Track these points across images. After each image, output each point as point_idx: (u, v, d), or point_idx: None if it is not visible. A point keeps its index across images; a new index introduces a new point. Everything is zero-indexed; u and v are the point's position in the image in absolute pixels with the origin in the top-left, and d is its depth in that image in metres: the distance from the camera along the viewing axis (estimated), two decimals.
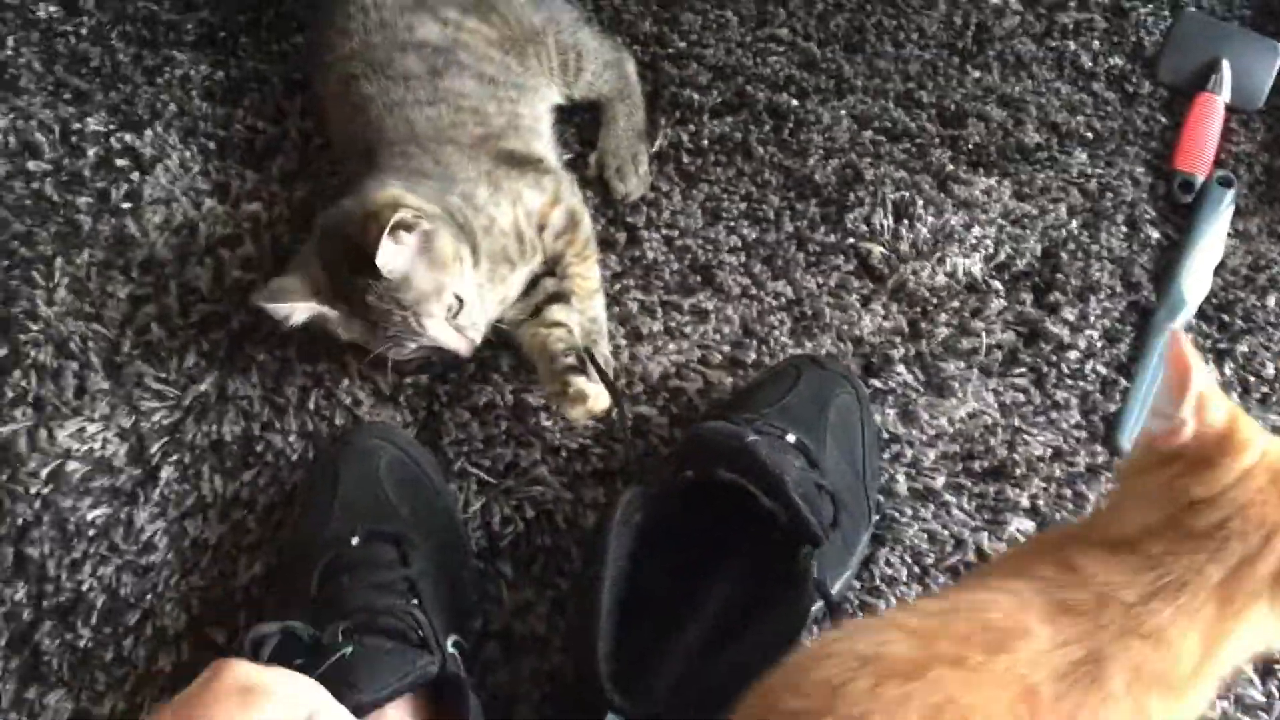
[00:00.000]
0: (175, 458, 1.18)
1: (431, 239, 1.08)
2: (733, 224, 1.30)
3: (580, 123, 1.37)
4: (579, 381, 1.13)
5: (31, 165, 1.33)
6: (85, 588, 1.11)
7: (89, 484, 1.16)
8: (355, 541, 1.00)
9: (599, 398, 1.14)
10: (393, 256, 1.06)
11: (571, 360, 1.15)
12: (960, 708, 0.68)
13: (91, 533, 1.14)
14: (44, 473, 1.16)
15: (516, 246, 1.18)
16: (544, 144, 1.27)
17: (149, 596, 1.11)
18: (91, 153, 1.33)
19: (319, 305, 1.10)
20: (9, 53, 1.40)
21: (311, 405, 1.20)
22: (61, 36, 1.41)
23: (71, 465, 1.17)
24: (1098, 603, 0.73)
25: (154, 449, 1.18)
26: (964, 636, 0.72)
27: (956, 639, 0.72)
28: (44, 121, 1.35)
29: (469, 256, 1.12)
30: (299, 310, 1.10)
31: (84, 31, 1.41)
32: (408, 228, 1.06)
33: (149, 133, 1.34)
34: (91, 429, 1.18)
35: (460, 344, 1.13)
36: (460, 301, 1.11)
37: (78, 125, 1.35)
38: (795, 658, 0.77)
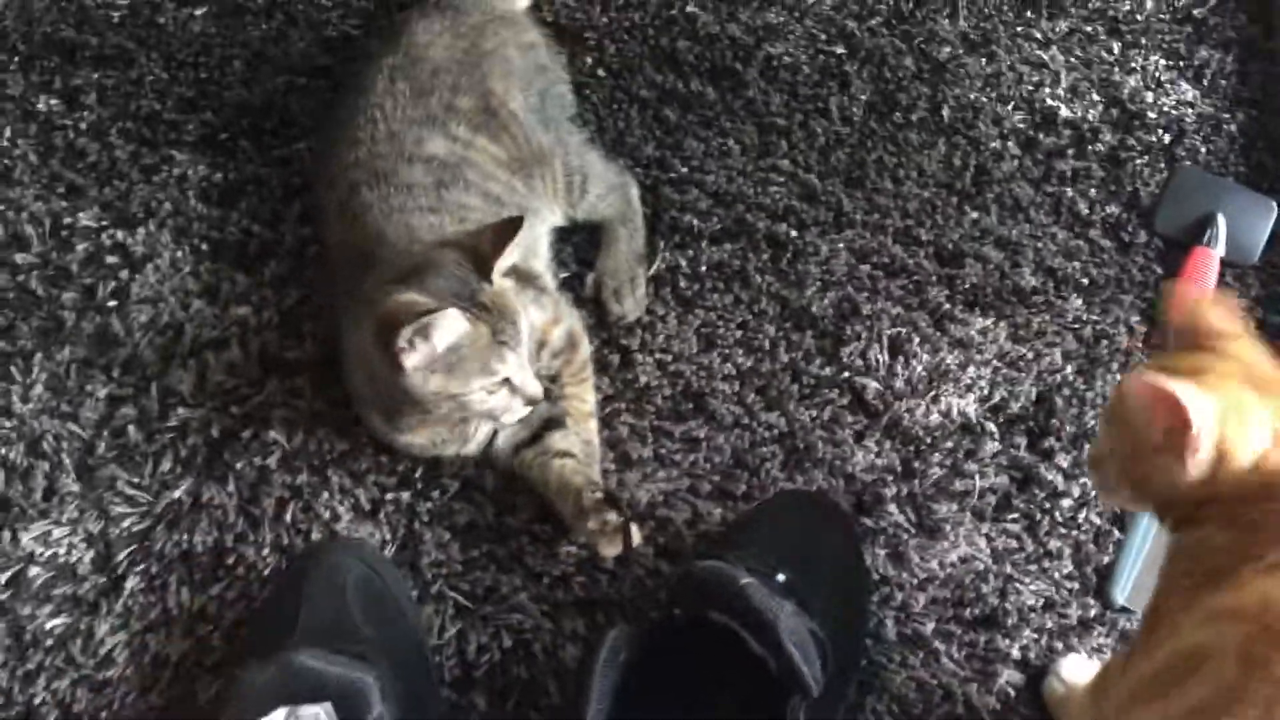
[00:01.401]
0: (142, 567, 1.14)
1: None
2: (727, 351, 1.29)
3: (578, 242, 1.37)
4: (615, 519, 1.11)
5: (19, 258, 1.31)
6: (38, 701, 1.07)
7: (50, 591, 1.12)
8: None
9: (635, 534, 1.12)
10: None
11: (600, 495, 1.12)
12: None
13: (49, 643, 1.10)
14: (3, 578, 1.12)
15: None
16: (541, 264, 1.27)
17: (104, 715, 1.06)
18: (81, 248, 1.31)
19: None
20: (4, 144, 1.39)
21: (288, 518, 1.17)
22: (60, 130, 1.40)
23: (34, 570, 1.13)
24: None
25: (121, 556, 1.14)
26: None
27: None
28: (35, 214, 1.34)
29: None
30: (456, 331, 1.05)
31: (83, 126, 1.41)
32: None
33: (141, 231, 1.33)
34: (58, 533, 1.15)
35: (533, 378, 1.10)
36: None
37: (69, 220, 1.33)
38: None
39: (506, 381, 1.07)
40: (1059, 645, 1.13)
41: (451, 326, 1.02)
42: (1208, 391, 0.79)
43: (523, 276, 1.19)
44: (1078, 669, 1.09)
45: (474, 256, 1.06)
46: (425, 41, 1.29)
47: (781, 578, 1.02)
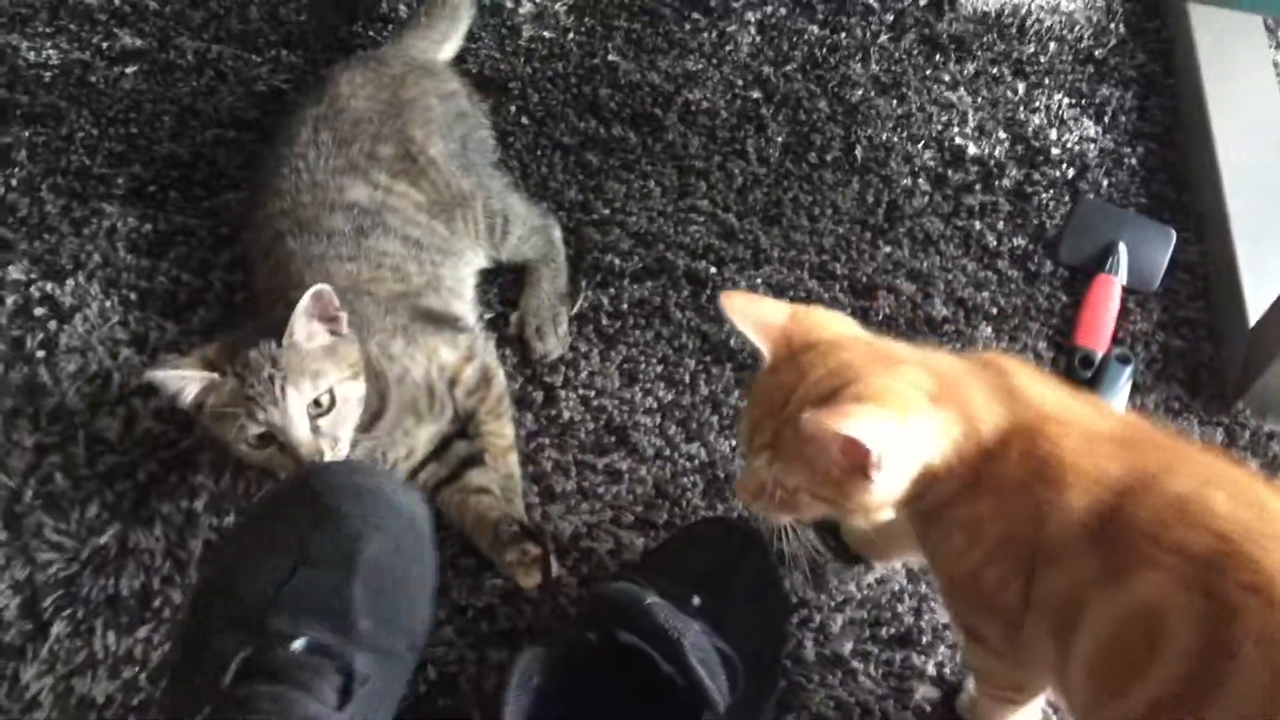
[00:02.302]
0: (69, 612, 1.14)
1: (341, 344, 1.11)
2: (649, 386, 1.33)
3: (504, 283, 1.40)
4: (534, 549, 1.13)
5: None
6: None
7: None
8: (296, 646, 0.87)
9: (554, 564, 1.14)
10: (304, 321, 1.08)
11: (515, 529, 1.15)
12: None
13: None
14: None
15: (426, 400, 1.19)
16: (464, 304, 1.30)
17: None
18: (10, 300, 1.33)
19: (205, 372, 1.08)
20: None
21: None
22: None
23: None
24: None
25: (47, 602, 1.14)
26: None
27: None
28: None
29: (365, 392, 1.13)
30: (189, 377, 1.08)
31: (14, 182, 1.43)
32: (327, 308, 1.09)
33: (70, 282, 1.35)
34: None
35: (306, 438, 1.08)
36: (331, 402, 1.09)
37: None
38: None
39: (273, 439, 1.09)
40: None
41: (189, 380, 1.08)
42: (879, 407, 0.83)
43: (437, 318, 1.22)
44: None
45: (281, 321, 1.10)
46: (348, 93, 1.33)
47: (696, 601, 1.04)
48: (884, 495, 0.87)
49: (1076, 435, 0.85)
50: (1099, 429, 0.86)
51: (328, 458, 1.09)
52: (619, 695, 1.00)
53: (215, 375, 1.08)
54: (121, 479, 1.22)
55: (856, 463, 0.84)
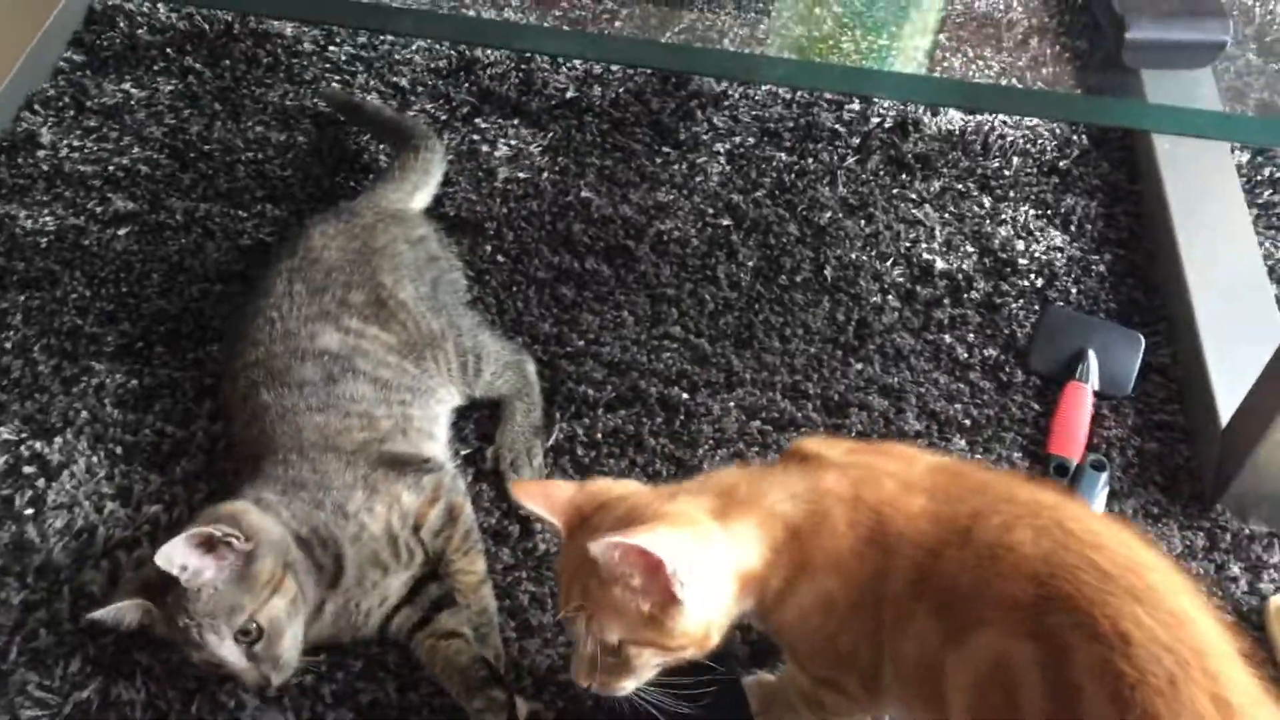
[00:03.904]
0: None
1: (251, 560, 1.10)
2: None
3: (479, 418, 1.43)
4: (500, 696, 1.14)
5: None
6: None
7: None
8: None
9: (522, 707, 1.14)
10: (184, 558, 1.07)
11: (485, 673, 1.16)
12: None
13: None
14: None
15: (389, 550, 1.20)
16: (436, 444, 1.32)
17: None
18: (1, 461, 1.37)
19: (140, 600, 1.10)
20: None
21: (194, 709, 1.19)
22: None
23: None
24: None
25: None
26: None
27: None
28: None
29: (296, 592, 1.12)
30: (125, 609, 1.11)
31: (8, 345, 1.48)
32: (211, 542, 1.08)
33: (59, 440, 1.39)
34: None
35: (248, 672, 1.10)
36: (259, 629, 1.10)
37: None
38: None
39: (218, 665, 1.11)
40: None
41: (126, 610, 1.11)
42: (662, 524, 0.88)
43: (402, 462, 1.24)
44: None
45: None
46: (321, 244, 1.39)
47: None
48: (701, 615, 0.89)
49: (890, 494, 0.89)
50: (911, 481, 0.90)
51: (275, 682, 1.12)
52: None
53: (148, 604, 1.10)
54: (104, 633, 1.23)
55: (661, 586, 0.86)
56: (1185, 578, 0.81)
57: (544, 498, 0.97)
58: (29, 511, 1.33)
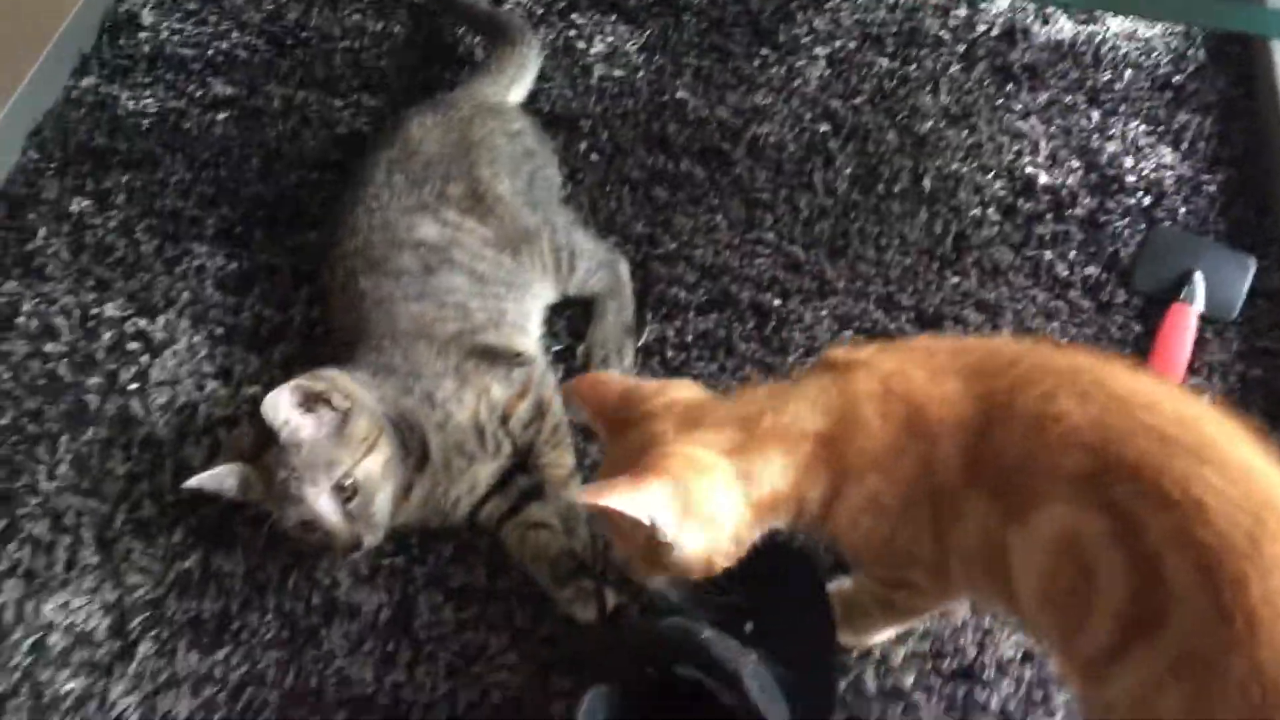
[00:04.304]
0: (154, 633, 1.20)
1: (348, 418, 1.13)
2: None
3: (571, 316, 1.43)
4: (589, 585, 1.17)
5: (49, 347, 1.40)
6: None
7: (68, 657, 1.19)
8: None
9: (610, 598, 1.17)
10: (286, 411, 1.10)
11: (572, 565, 1.18)
12: None
13: (66, 705, 1.16)
14: (26, 644, 1.19)
15: (476, 440, 1.22)
16: (528, 339, 1.33)
17: None
18: (106, 336, 1.41)
19: (239, 463, 1.13)
20: (39, 242, 1.50)
21: (290, 585, 1.22)
22: (90, 229, 1.51)
23: (54, 638, 1.20)
24: None
25: (134, 624, 1.21)
26: None
27: None
28: (65, 307, 1.44)
29: (390, 454, 1.15)
30: (224, 473, 1.14)
31: (112, 224, 1.51)
32: (311, 399, 1.11)
33: (162, 319, 1.42)
34: (76, 602, 1.22)
35: (339, 528, 1.12)
36: (355, 486, 1.12)
37: (96, 310, 1.43)
38: None
39: (311, 525, 1.13)
40: (1038, 696, 1.14)
41: (225, 476, 1.14)
42: (656, 477, 0.85)
43: (494, 355, 1.25)
44: None
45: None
46: (419, 136, 1.38)
47: (749, 627, 1.05)
48: (697, 549, 0.89)
49: (921, 382, 0.87)
50: (938, 366, 0.88)
51: (367, 543, 1.14)
52: None
53: (247, 466, 1.13)
54: (206, 504, 1.27)
55: (645, 533, 0.86)
56: (1238, 424, 0.79)
57: (593, 399, 0.98)
58: (133, 386, 1.37)
